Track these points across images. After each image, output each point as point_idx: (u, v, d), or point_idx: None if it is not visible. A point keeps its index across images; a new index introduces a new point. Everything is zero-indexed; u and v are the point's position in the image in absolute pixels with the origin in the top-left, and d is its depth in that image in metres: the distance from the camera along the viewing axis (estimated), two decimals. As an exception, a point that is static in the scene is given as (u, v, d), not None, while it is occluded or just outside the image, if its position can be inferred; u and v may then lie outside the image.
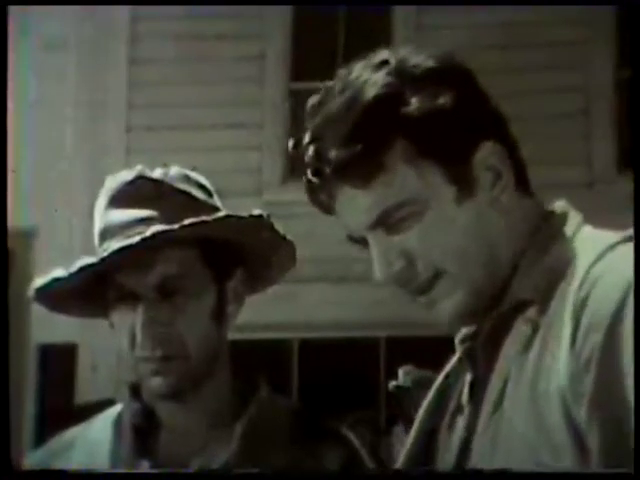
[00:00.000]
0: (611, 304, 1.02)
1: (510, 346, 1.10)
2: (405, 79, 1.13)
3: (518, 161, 1.17)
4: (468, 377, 1.19)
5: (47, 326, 6.59)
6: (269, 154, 7.28)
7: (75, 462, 1.42)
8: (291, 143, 1.19)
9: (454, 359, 1.24)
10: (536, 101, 6.65)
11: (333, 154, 1.12)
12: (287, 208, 5.98)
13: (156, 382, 1.36)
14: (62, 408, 6.43)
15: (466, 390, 1.19)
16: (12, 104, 6.98)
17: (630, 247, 1.06)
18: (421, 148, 1.12)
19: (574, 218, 1.17)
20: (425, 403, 1.24)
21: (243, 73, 7.32)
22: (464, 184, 1.13)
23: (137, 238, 1.31)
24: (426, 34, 6.97)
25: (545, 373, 1.05)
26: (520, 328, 1.10)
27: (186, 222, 1.32)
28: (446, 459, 1.17)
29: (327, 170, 1.13)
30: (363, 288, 7.01)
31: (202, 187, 1.43)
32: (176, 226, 1.32)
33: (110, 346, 6.44)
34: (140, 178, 1.40)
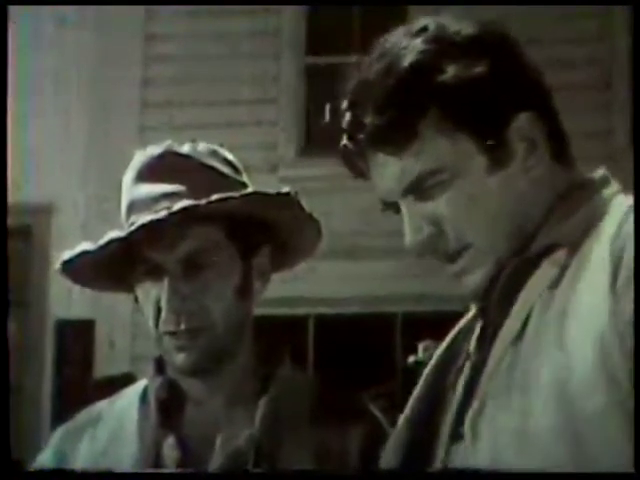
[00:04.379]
0: None
1: (535, 284, 1.10)
2: (443, 47, 1.12)
3: (557, 132, 1.17)
4: (478, 327, 1.19)
5: (65, 302, 6.62)
6: (285, 130, 7.26)
7: (102, 436, 1.43)
8: (328, 109, 1.20)
9: (467, 316, 1.24)
10: (555, 73, 6.59)
11: (368, 120, 1.12)
12: (302, 184, 5.97)
13: (180, 358, 1.36)
14: (80, 383, 6.47)
15: (474, 338, 1.19)
16: (31, 80, 6.99)
17: None
18: (455, 117, 1.12)
19: (613, 186, 1.16)
20: (433, 360, 1.25)
21: (258, 48, 7.29)
22: (497, 154, 1.12)
23: (164, 213, 1.31)
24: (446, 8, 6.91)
25: (576, 309, 1.05)
26: (546, 268, 1.10)
27: (213, 198, 1.32)
28: (449, 414, 1.17)
29: (362, 136, 1.13)
30: (380, 263, 7.01)
31: (230, 163, 1.43)
32: (203, 201, 1.32)
33: (126, 322, 6.45)
34: (168, 153, 1.39)
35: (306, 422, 1.39)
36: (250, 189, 1.39)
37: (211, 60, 7.24)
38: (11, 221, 3.15)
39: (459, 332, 1.24)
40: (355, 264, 6.84)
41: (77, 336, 6.95)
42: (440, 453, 1.16)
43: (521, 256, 1.13)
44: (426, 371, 1.25)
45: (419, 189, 1.13)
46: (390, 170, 1.14)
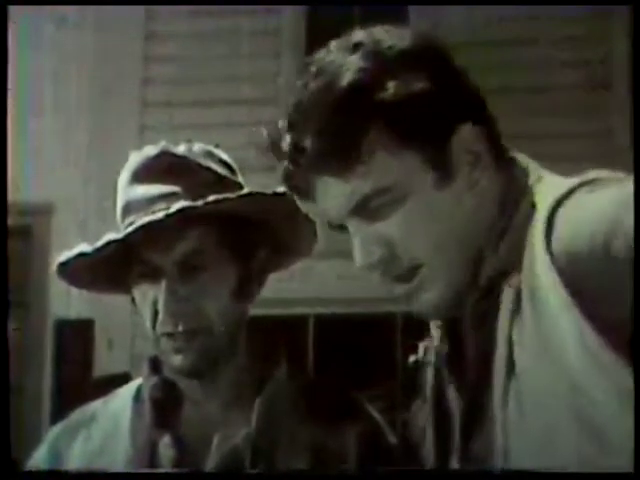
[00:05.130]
0: (584, 240, 1.01)
1: (503, 314, 1.09)
2: (380, 63, 1.09)
3: (496, 137, 1.15)
4: (440, 351, 1.20)
5: (64, 302, 6.62)
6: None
7: (96, 436, 1.43)
8: (265, 132, 1.17)
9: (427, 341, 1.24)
10: (555, 75, 6.60)
11: (308, 144, 1.09)
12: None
13: (177, 360, 1.36)
14: (79, 382, 6.47)
15: (439, 362, 1.20)
16: (30, 80, 6.98)
17: (585, 190, 1.05)
18: (398, 134, 1.09)
19: (533, 171, 1.15)
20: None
21: (258, 48, 7.29)
22: (443, 169, 1.10)
23: (161, 214, 1.31)
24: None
25: (548, 323, 1.04)
26: (506, 295, 1.09)
27: (210, 198, 1.32)
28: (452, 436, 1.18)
29: (303, 160, 1.10)
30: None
31: (225, 164, 1.43)
32: (200, 202, 1.32)
33: (126, 322, 6.46)
34: (164, 154, 1.39)
35: (302, 422, 1.39)
36: (246, 189, 1.39)
37: (211, 60, 7.24)
38: (11, 221, 3.15)
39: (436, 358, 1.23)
40: (354, 264, 6.84)
41: (76, 336, 6.95)
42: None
43: (475, 288, 1.11)
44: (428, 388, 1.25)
45: (367, 209, 1.11)
46: (335, 192, 1.11)
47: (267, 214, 1.39)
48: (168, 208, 1.31)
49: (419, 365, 1.30)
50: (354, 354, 6.90)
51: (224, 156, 1.44)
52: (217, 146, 1.45)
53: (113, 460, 1.39)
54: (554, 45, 6.78)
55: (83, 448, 1.43)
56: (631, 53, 6.44)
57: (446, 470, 1.17)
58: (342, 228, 1.15)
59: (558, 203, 1.06)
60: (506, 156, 1.16)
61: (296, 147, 1.11)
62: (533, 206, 1.10)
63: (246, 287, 1.41)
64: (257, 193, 1.37)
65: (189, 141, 1.42)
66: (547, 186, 1.12)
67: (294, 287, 5.56)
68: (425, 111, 1.09)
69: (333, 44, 1.13)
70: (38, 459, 1.44)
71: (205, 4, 7.08)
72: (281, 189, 1.38)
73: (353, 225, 1.13)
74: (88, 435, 1.44)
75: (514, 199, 1.13)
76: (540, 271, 1.05)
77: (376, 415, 1.44)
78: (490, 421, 1.11)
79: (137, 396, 1.44)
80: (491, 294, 1.10)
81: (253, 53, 7.27)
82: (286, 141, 1.12)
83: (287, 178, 1.15)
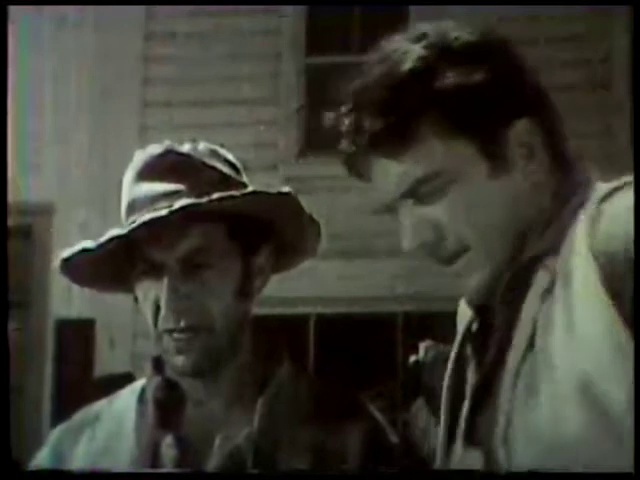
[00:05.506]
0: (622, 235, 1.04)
1: (533, 293, 1.11)
2: (442, 53, 1.13)
3: (556, 135, 1.18)
4: (474, 330, 1.21)
5: (65, 302, 6.62)
6: (285, 129, 7.26)
7: (100, 436, 1.43)
8: (328, 114, 1.19)
9: (464, 321, 1.25)
10: (555, 75, 6.60)
11: (368, 124, 1.13)
12: (303, 183, 5.97)
13: (179, 360, 1.36)
14: (80, 382, 6.47)
15: (471, 344, 1.20)
16: (31, 81, 6.98)
17: (622, 193, 1.09)
18: (454, 121, 1.12)
19: (587, 174, 1.17)
20: (448, 369, 1.26)
21: (258, 48, 7.29)
22: (498, 160, 1.13)
23: (165, 211, 1.31)
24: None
25: (579, 309, 1.06)
26: (539, 277, 1.11)
27: (214, 196, 1.32)
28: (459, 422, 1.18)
29: (362, 140, 1.14)
30: (380, 263, 7.00)
31: (230, 163, 1.43)
32: (204, 200, 1.32)
33: (127, 322, 6.45)
34: (169, 152, 1.39)
35: (304, 422, 1.39)
36: (250, 188, 1.39)
37: (211, 60, 7.24)
38: (11, 221, 3.15)
39: (463, 338, 1.25)
40: (356, 264, 6.84)
41: (77, 336, 6.95)
42: (454, 460, 1.17)
43: (515, 265, 1.14)
44: (445, 382, 1.26)
45: (418, 193, 1.14)
46: (389, 174, 1.15)
47: (271, 213, 1.39)
48: (172, 206, 1.31)
49: (419, 365, 1.31)
50: (355, 354, 6.90)
51: (229, 155, 1.44)
52: (222, 145, 1.45)
53: (117, 460, 1.39)
54: (554, 45, 6.79)
55: (87, 448, 1.43)
56: (631, 53, 6.45)
57: (446, 470, 1.18)
58: (393, 210, 1.18)
59: (605, 198, 1.09)
60: (564, 153, 1.18)
61: (356, 127, 1.14)
62: (582, 205, 1.12)
63: (249, 286, 1.41)
64: (261, 192, 1.37)
65: (194, 140, 1.43)
66: (596, 189, 1.14)
67: (295, 286, 5.56)
68: (481, 103, 1.13)
69: (398, 36, 1.17)
70: (41, 460, 1.44)
71: (205, 4, 7.08)
72: (285, 189, 1.38)
73: (403, 208, 1.16)
74: (92, 435, 1.44)
75: (566, 195, 1.15)
76: (578, 263, 1.07)
77: (378, 415, 1.44)
78: (496, 402, 1.12)
79: (141, 396, 1.44)
80: (525, 274, 1.13)
81: (253, 53, 7.27)
82: (346, 123, 1.16)
83: (346, 160, 1.18)
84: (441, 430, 1.24)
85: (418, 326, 6.29)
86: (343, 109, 1.16)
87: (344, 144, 1.17)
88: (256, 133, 7.09)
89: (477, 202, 1.13)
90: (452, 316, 1.31)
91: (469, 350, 1.22)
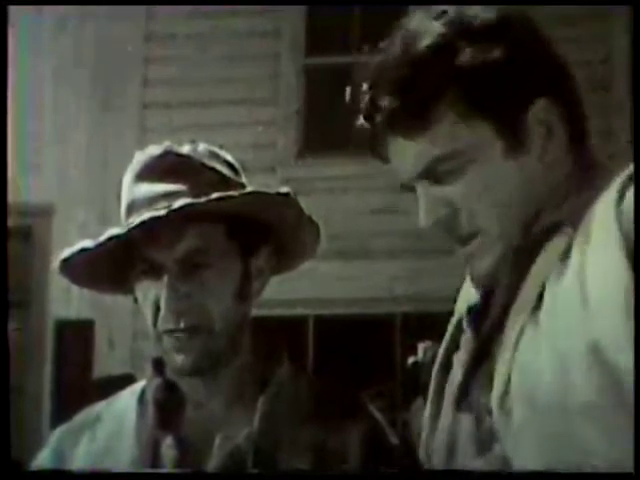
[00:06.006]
0: None
1: (545, 258, 1.11)
2: (461, 30, 1.12)
3: (576, 115, 1.17)
4: (476, 309, 1.20)
5: (65, 302, 6.62)
6: (284, 130, 7.26)
7: (101, 437, 1.44)
8: (348, 91, 1.18)
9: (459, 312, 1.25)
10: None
11: (386, 103, 1.12)
12: (301, 184, 5.97)
13: (179, 360, 1.36)
14: (80, 383, 6.47)
15: (468, 320, 1.20)
16: (31, 81, 6.98)
17: None
18: (472, 101, 1.11)
19: (609, 161, 1.18)
20: (438, 358, 1.25)
21: (258, 48, 7.29)
22: (514, 139, 1.12)
23: (164, 211, 1.31)
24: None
25: (592, 273, 1.05)
26: (555, 242, 1.11)
27: (213, 196, 1.32)
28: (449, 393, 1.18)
29: (380, 118, 1.13)
30: (380, 264, 7.00)
31: (229, 164, 1.43)
32: (203, 199, 1.32)
33: (126, 322, 6.45)
34: (168, 153, 1.40)
35: (305, 422, 1.39)
36: (250, 188, 1.39)
37: (211, 60, 7.24)
38: (11, 222, 3.15)
39: (456, 324, 1.25)
40: (354, 265, 6.84)
41: (77, 336, 6.95)
42: (443, 425, 1.17)
43: (527, 235, 1.14)
44: (434, 372, 1.26)
45: (434, 173, 1.14)
46: (407, 153, 1.14)
47: (270, 214, 1.40)
48: (171, 206, 1.32)
49: (418, 365, 1.31)
50: (354, 355, 6.90)
51: (228, 157, 1.44)
52: (221, 147, 1.45)
53: (117, 460, 1.39)
54: (554, 45, 6.77)
55: (87, 449, 1.43)
56: (631, 53, 6.43)
57: (446, 470, 1.18)
58: (410, 189, 1.18)
59: (630, 179, 1.08)
60: (582, 134, 1.17)
61: (373, 105, 1.14)
62: (602, 188, 1.11)
63: (248, 287, 1.41)
64: (260, 192, 1.37)
65: (193, 141, 1.43)
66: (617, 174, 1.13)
67: (294, 288, 5.57)
68: (501, 81, 1.11)
69: (417, 13, 1.17)
70: (42, 460, 1.45)
71: (205, 4, 7.08)
72: (284, 189, 1.38)
73: (420, 186, 1.16)
74: (92, 436, 1.44)
75: (583, 177, 1.14)
76: (600, 234, 1.06)
77: (378, 415, 1.44)
78: (493, 365, 1.11)
79: (141, 397, 1.45)
80: (538, 241, 1.12)
81: (252, 54, 7.27)
82: (364, 100, 1.15)
83: (364, 139, 1.18)
84: (429, 401, 1.24)
85: (417, 327, 6.29)
86: (362, 87, 1.16)
87: (361, 120, 1.16)
88: (255, 134, 7.09)
89: (492, 183, 1.12)
90: (451, 317, 1.31)
91: (465, 323, 1.21)
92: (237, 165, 1.45)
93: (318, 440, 1.37)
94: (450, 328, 1.26)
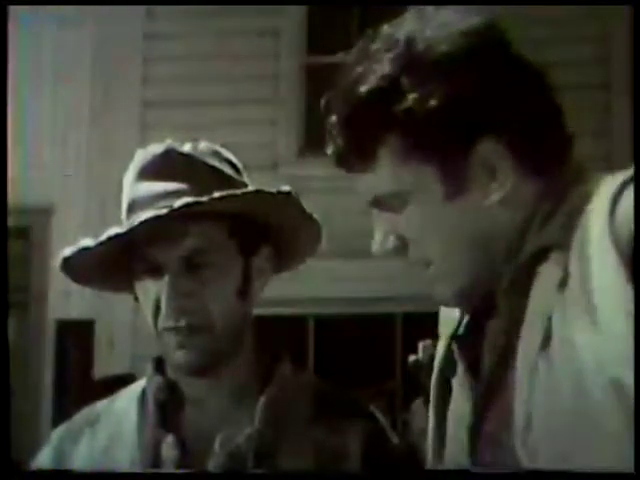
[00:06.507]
0: None
1: (542, 290, 1.08)
2: (408, 67, 1.10)
3: (528, 149, 1.12)
4: (460, 330, 1.19)
5: (65, 303, 6.62)
6: (285, 129, 7.26)
7: (101, 436, 1.43)
8: (322, 102, 1.18)
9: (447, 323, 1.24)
10: (555, 75, 6.60)
11: (335, 134, 1.13)
12: (302, 183, 5.97)
13: (180, 356, 1.36)
14: (80, 383, 6.47)
15: (455, 342, 1.19)
16: (31, 81, 6.98)
17: None
18: (412, 145, 1.10)
19: (582, 169, 1.15)
20: (438, 360, 1.25)
21: (258, 48, 7.29)
22: (455, 182, 1.11)
23: (165, 210, 1.31)
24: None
25: (597, 295, 1.03)
26: (548, 272, 1.09)
27: (215, 195, 1.32)
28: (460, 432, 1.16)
29: (330, 150, 1.15)
30: (380, 263, 6.99)
31: (231, 163, 1.43)
32: (205, 198, 1.32)
33: (126, 322, 6.45)
34: (170, 151, 1.39)
35: (305, 421, 1.39)
36: (252, 187, 1.39)
37: (211, 59, 7.24)
38: (11, 222, 3.15)
39: (449, 342, 1.23)
40: (355, 264, 6.84)
41: (77, 336, 6.95)
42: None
43: (513, 265, 1.12)
44: (432, 396, 1.25)
45: (380, 206, 1.15)
46: (357, 182, 1.16)
47: (271, 213, 1.39)
48: (172, 205, 1.31)
49: (418, 365, 1.31)
50: (354, 354, 6.90)
51: (230, 155, 1.44)
52: (223, 145, 1.45)
53: (118, 460, 1.39)
54: (554, 45, 6.78)
55: (88, 448, 1.43)
56: (631, 53, 6.44)
57: (446, 470, 1.17)
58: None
59: (623, 186, 1.05)
60: (542, 164, 1.14)
61: (330, 134, 1.15)
62: (587, 195, 1.09)
63: (249, 286, 1.41)
64: (262, 191, 1.37)
65: (195, 140, 1.43)
66: (601, 179, 1.11)
67: (294, 287, 5.56)
68: (441, 125, 1.09)
69: (383, 29, 1.15)
70: (43, 459, 1.45)
71: (205, 4, 7.08)
72: (286, 188, 1.38)
73: (374, 213, 1.17)
74: (93, 435, 1.44)
75: (562, 189, 1.12)
76: (594, 250, 1.05)
77: (378, 415, 1.44)
78: (508, 404, 1.09)
79: (142, 397, 1.44)
80: (527, 271, 1.11)
81: (253, 53, 7.27)
82: (328, 122, 1.16)
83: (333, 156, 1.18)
84: (430, 428, 1.23)
85: (417, 327, 6.29)
86: (321, 104, 1.16)
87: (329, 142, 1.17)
88: (255, 133, 7.09)
89: (433, 223, 1.12)
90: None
91: (456, 354, 1.20)
92: (238, 164, 1.45)
93: (318, 440, 1.37)
94: (441, 351, 1.24)
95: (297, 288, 6.20)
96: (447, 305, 1.20)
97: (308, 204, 1.42)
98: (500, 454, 1.10)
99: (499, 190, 1.12)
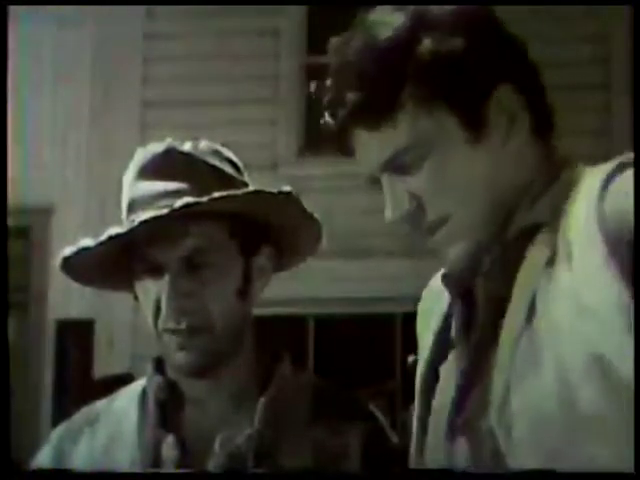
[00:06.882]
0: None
1: (530, 266, 1.10)
2: (420, 21, 1.12)
3: (540, 106, 1.17)
4: (459, 313, 1.19)
5: (64, 303, 6.62)
6: (285, 129, 7.26)
7: (101, 436, 1.43)
8: (312, 86, 1.19)
9: (439, 301, 1.24)
10: (555, 75, 6.60)
11: (348, 97, 1.13)
12: (302, 183, 5.97)
13: (180, 357, 1.36)
14: (80, 383, 6.47)
15: (456, 326, 1.19)
16: (31, 81, 6.98)
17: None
18: (433, 91, 1.11)
19: (573, 159, 1.17)
20: (426, 352, 1.25)
21: (258, 48, 7.29)
22: (476, 126, 1.12)
23: (165, 209, 1.31)
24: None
25: (583, 277, 1.04)
26: (537, 250, 1.10)
27: (215, 195, 1.32)
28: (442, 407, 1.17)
29: (342, 113, 1.14)
30: (380, 263, 6.99)
31: (231, 162, 1.43)
32: (205, 198, 1.32)
33: (126, 322, 6.46)
34: (170, 151, 1.39)
35: (305, 421, 1.39)
36: (252, 187, 1.39)
37: (211, 59, 7.24)
38: (11, 222, 3.15)
39: (446, 317, 1.23)
40: (355, 264, 6.84)
41: (77, 336, 6.95)
42: (439, 449, 1.16)
43: (501, 240, 1.13)
44: (420, 370, 1.25)
45: (397, 164, 1.14)
46: (371, 144, 1.14)
47: (272, 213, 1.39)
48: (173, 204, 1.31)
49: (418, 364, 1.30)
50: (354, 354, 6.89)
51: (230, 155, 1.44)
52: (223, 144, 1.45)
53: (118, 460, 1.39)
54: (554, 45, 6.78)
55: (88, 448, 1.43)
56: (631, 53, 6.45)
57: (446, 470, 1.17)
58: (375, 181, 1.18)
59: (613, 174, 1.07)
60: (550, 130, 1.17)
61: (337, 100, 1.14)
62: (574, 182, 1.11)
63: (250, 286, 1.41)
64: (263, 191, 1.37)
65: (195, 139, 1.42)
66: (590, 168, 1.13)
67: (294, 287, 5.56)
68: (461, 70, 1.11)
69: (375, 8, 1.17)
70: (42, 459, 1.44)
71: (205, 4, 7.08)
72: (287, 188, 1.38)
73: (386, 179, 1.16)
74: (93, 435, 1.44)
75: (553, 170, 1.14)
76: (583, 239, 1.05)
77: (379, 415, 1.44)
78: (487, 384, 1.10)
79: (142, 397, 1.44)
80: (516, 248, 1.11)
81: (253, 53, 7.27)
82: (328, 96, 1.15)
83: (329, 134, 1.18)
84: (415, 416, 1.23)
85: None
86: (326, 82, 1.16)
87: (326, 117, 1.16)
88: (255, 132, 7.08)
89: (456, 169, 1.12)
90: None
91: (452, 333, 1.20)
92: (239, 163, 1.44)
93: (318, 440, 1.37)
94: (430, 337, 1.24)
95: (297, 288, 6.20)
96: (452, 272, 1.18)
97: (308, 204, 1.42)
98: (476, 440, 1.10)
99: (516, 139, 1.14)
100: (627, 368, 1.01)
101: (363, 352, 6.91)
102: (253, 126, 7.14)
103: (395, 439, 1.43)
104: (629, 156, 1.10)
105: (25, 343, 6.95)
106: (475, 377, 1.13)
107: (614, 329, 1.02)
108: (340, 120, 1.15)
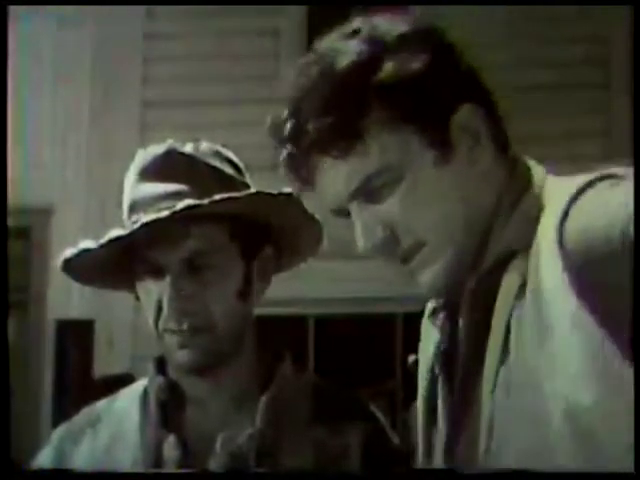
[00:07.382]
0: (599, 233, 1.01)
1: (504, 298, 1.09)
2: (377, 45, 1.12)
3: (497, 119, 1.16)
4: (439, 347, 1.19)
5: (64, 303, 6.62)
6: (285, 129, 7.26)
7: (102, 436, 1.44)
8: (269, 120, 1.17)
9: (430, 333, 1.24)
10: (555, 75, 6.60)
11: (310, 126, 1.11)
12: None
13: (181, 355, 1.36)
14: (80, 383, 6.46)
15: (436, 360, 1.19)
16: (31, 81, 6.98)
17: (606, 184, 1.05)
18: (397, 114, 1.11)
19: (536, 170, 1.16)
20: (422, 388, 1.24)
21: (258, 48, 7.29)
22: (443, 148, 1.11)
23: (167, 212, 1.31)
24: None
25: (548, 313, 1.03)
26: (510, 279, 1.09)
27: (216, 197, 1.32)
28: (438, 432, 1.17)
29: (306, 142, 1.12)
30: (380, 264, 6.99)
31: (232, 163, 1.43)
32: (206, 201, 1.32)
33: (126, 322, 6.46)
34: (171, 152, 1.39)
35: (306, 421, 1.39)
36: (253, 189, 1.39)
37: (211, 59, 7.24)
38: (11, 221, 3.15)
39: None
40: (356, 264, 6.84)
41: (77, 336, 6.95)
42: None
43: (478, 270, 1.12)
44: (418, 426, 1.25)
45: (367, 191, 1.12)
46: (337, 173, 1.12)
47: (273, 214, 1.39)
48: (174, 206, 1.31)
49: (418, 365, 1.30)
50: (354, 354, 6.89)
51: (231, 156, 1.44)
52: (224, 146, 1.45)
53: (119, 460, 1.39)
54: (554, 45, 6.79)
55: (89, 448, 1.43)
56: (631, 53, 6.44)
57: (446, 470, 1.17)
58: (343, 213, 1.16)
59: (578, 193, 1.06)
60: (507, 146, 1.17)
61: (298, 130, 1.13)
62: (539, 200, 1.11)
63: (251, 287, 1.41)
64: (263, 193, 1.37)
65: (196, 140, 1.43)
66: (555, 183, 1.13)
67: (295, 287, 5.56)
68: (423, 92, 1.11)
69: (331, 35, 1.17)
70: (43, 459, 1.45)
71: (205, 4, 7.08)
72: (287, 189, 1.38)
73: (355, 208, 1.14)
74: (94, 435, 1.44)
75: (517, 190, 1.14)
76: (546, 261, 1.05)
77: (380, 416, 1.44)
78: (476, 415, 1.10)
79: (143, 397, 1.45)
80: (495, 274, 1.10)
81: (253, 53, 7.27)
82: (288, 127, 1.14)
83: (289, 165, 1.16)
84: (420, 449, 1.23)
85: (417, 326, 6.28)
86: (283, 115, 1.15)
87: (286, 150, 1.15)
88: (256, 133, 7.08)
89: (427, 193, 1.11)
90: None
91: (437, 367, 1.20)
92: (240, 164, 1.45)
93: (319, 440, 1.37)
94: (425, 375, 1.24)
95: (298, 288, 6.19)
96: (436, 292, 1.17)
97: (308, 204, 1.42)
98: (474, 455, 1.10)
99: (482, 159, 1.13)
100: (592, 415, 0.99)
101: (363, 352, 6.91)
102: (254, 127, 7.13)
103: (395, 439, 1.43)
104: (601, 172, 1.08)
105: (25, 343, 6.95)
106: (466, 410, 1.13)
107: (571, 345, 1.01)
108: (305, 148, 1.13)
